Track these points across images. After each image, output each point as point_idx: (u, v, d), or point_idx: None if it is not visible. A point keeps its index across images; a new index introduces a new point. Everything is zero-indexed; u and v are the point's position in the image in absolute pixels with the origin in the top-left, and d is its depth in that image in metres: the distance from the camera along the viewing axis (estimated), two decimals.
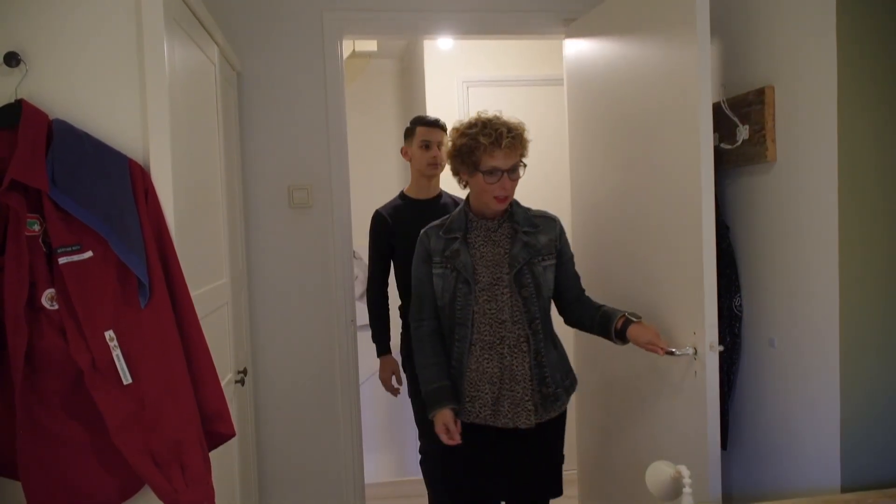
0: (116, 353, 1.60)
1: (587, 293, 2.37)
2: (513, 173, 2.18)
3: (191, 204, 1.93)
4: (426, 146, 2.95)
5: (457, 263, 2.21)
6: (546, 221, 2.28)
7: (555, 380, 2.22)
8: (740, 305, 2.44)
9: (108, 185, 1.61)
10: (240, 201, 2.82)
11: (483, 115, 2.22)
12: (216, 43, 2.36)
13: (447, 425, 2.18)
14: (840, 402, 2.02)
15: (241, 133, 2.89)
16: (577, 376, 2.38)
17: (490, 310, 2.19)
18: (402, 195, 3.04)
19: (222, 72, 2.46)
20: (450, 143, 2.25)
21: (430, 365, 2.26)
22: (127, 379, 1.60)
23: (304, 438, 3.01)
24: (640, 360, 2.45)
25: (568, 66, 3.13)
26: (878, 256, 2.01)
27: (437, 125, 2.97)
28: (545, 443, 2.27)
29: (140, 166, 1.65)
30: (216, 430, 1.70)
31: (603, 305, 2.29)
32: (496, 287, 2.19)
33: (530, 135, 2.23)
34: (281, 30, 2.94)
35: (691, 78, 2.14)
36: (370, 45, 4.27)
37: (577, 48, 3.01)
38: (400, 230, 2.91)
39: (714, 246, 2.12)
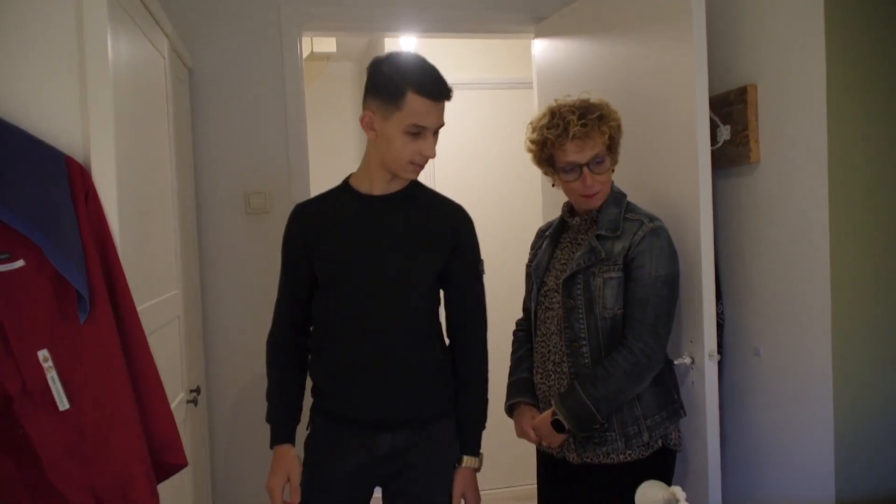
0: (51, 375, 1.42)
1: (632, 340, 1.83)
2: (596, 166, 1.85)
3: (137, 208, 1.75)
4: (416, 133, 1.68)
5: (535, 262, 2.03)
6: (632, 225, 1.86)
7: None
8: (722, 313, 2.35)
9: (42, 186, 1.42)
10: (193, 206, 2.63)
11: (557, 102, 1.91)
12: (166, 35, 2.18)
13: (521, 423, 1.97)
14: (833, 413, 1.93)
15: (193, 133, 2.71)
16: None
17: (546, 318, 1.96)
18: (345, 185, 1.86)
19: (173, 67, 2.28)
20: (526, 141, 1.98)
21: (514, 360, 2.10)
22: (64, 404, 1.41)
23: (263, 463, 2.80)
24: None
25: (538, 67, 3.02)
26: (870, 260, 1.93)
27: (445, 95, 1.71)
28: (592, 490, 1.89)
29: (80, 165, 1.47)
30: (166, 461, 1.52)
31: (586, 375, 1.84)
32: (554, 294, 1.94)
33: (618, 114, 1.89)
34: (236, 24, 2.76)
35: (684, 76, 2.05)
36: (329, 46, 4.10)
37: (548, 48, 2.91)
38: (331, 237, 1.80)
39: (712, 250, 2.02)
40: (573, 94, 1.93)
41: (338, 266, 1.78)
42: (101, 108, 1.49)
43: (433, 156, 1.72)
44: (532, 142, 1.94)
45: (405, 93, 1.66)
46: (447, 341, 1.88)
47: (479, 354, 1.85)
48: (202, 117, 2.73)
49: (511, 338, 2.15)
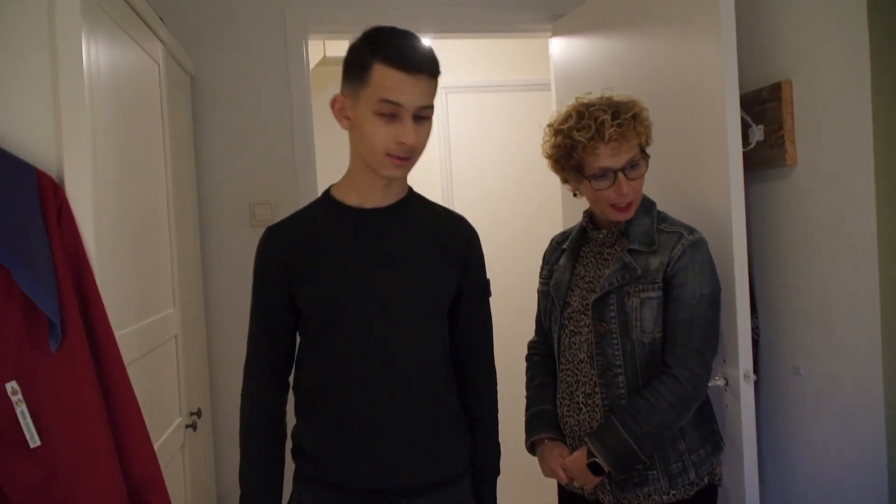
0: (21, 409, 1.30)
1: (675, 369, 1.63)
2: (631, 171, 1.65)
3: (123, 223, 1.63)
4: (389, 114, 1.36)
5: (554, 279, 1.82)
6: (669, 238, 1.66)
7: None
8: (757, 328, 2.18)
9: (11, 203, 1.31)
10: (194, 218, 2.52)
11: (581, 100, 1.70)
12: (161, 40, 2.07)
13: (549, 462, 1.75)
14: (886, 435, 1.76)
15: (195, 143, 2.59)
16: None
17: (572, 343, 1.75)
18: (328, 198, 1.53)
19: (169, 73, 2.17)
20: (545, 145, 1.76)
21: (533, 388, 1.87)
22: (35, 441, 1.30)
23: None
24: None
25: (556, 67, 2.87)
26: None
27: (421, 66, 1.37)
28: None
29: (52, 180, 1.36)
30: (146, 501, 1.39)
31: (625, 409, 1.64)
32: (582, 316, 1.73)
33: (649, 113, 1.69)
34: (239, 28, 2.65)
35: (711, 72, 1.89)
36: (342, 50, 3.97)
37: (566, 47, 2.76)
38: (321, 265, 1.47)
39: (746, 261, 1.85)
40: (594, 92, 1.75)
41: (334, 300, 1.44)
42: (75, 119, 1.37)
43: (411, 142, 1.36)
44: (555, 146, 1.71)
45: (372, 64, 1.35)
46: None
47: (492, 390, 1.61)
48: (204, 125, 2.62)
49: (523, 362, 1.97)
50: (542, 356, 1.90)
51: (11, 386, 1.29)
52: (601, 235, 1.76)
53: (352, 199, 1.49)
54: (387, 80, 1.34)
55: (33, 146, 1.37)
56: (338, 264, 1.46)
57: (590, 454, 1.64)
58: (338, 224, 1.49)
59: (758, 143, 2.08)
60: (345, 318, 1.45)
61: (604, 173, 1.64)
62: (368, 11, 2.76)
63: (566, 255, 1.83)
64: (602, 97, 1.70)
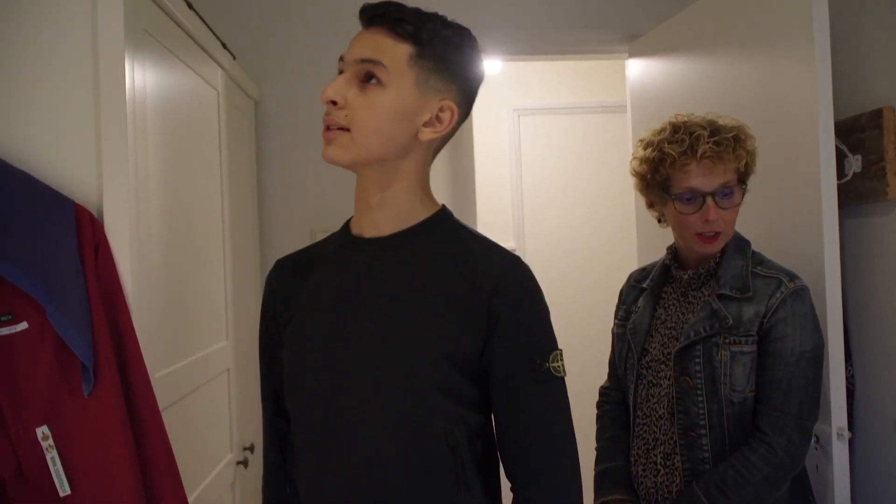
0: (52, 456, 1.24)
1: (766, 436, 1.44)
2: (723, 198, 1.48)
3: (171, 256, 1.58)
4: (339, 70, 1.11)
5: (631, 322, 1.65)
6: (767, 285, 1.47)
7: None
8: (852, 376, 1.97)
9: (48, 238, 1.26)
10: (254, 247, 2.48)
11: (679, 116, 1.55)
12: (221, 66, 2.03)
13: None
14: None
15: (257, 169, 2.56)
16: None
17: (651, 396, 1.57)
18: (344, 224, 1.23)
19: (230, 99, 2.13)
20: (633, 161, 1.59)
21: (604, 440, 1.69)
22: (65, 489, 1.24)
23: None
24: None
25: (632, 88, 2.72)
26: None
27: (372, 18, 1.09)
28: None
29: (90, 215, 1.31)
30: None
31: (710, 477, 1.45)
32: (663, 367, 1.55)
33: (754, 141, 1.52)
34: (304, 53, 2.61)
35: (803, 97, 1.73)
36: None
37: (644, 68, 2.61)
38: (300, 310, 1.18)
39: (840, 306, 1.66)
40: (696, 113, 1.57)
41: (296, 359, 1.13)
42: (116, 151, 1.32)
43: (329, 98, 1.06)
44: (644, 160, 1.54)
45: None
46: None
47: None
48: (267, 151, 2.59)
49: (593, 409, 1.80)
50: (614, 405, 1.73)
51: (42, 431, 1.24)
52: (686, 276, 1.58)
53: (355, 226, 1.16)
54: (352, 40, 1.10)
55: (73, 179, 1.32)
56: (316, 309, 1.13)
57: None
58: (335, 258, 1.17)
59: (855, 174, 1.89)
60: (303, 384, 1.12)
61: (692, 195, 1.48)
62: None
63: (646, 295, 1.65)
64: (704, 117, 1.54)
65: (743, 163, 1.48)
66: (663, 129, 1.53)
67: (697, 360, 1.48)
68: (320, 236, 2.79)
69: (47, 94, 1.32)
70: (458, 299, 1.07)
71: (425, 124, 1.09)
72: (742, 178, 1.52)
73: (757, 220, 1.89)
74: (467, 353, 1.06)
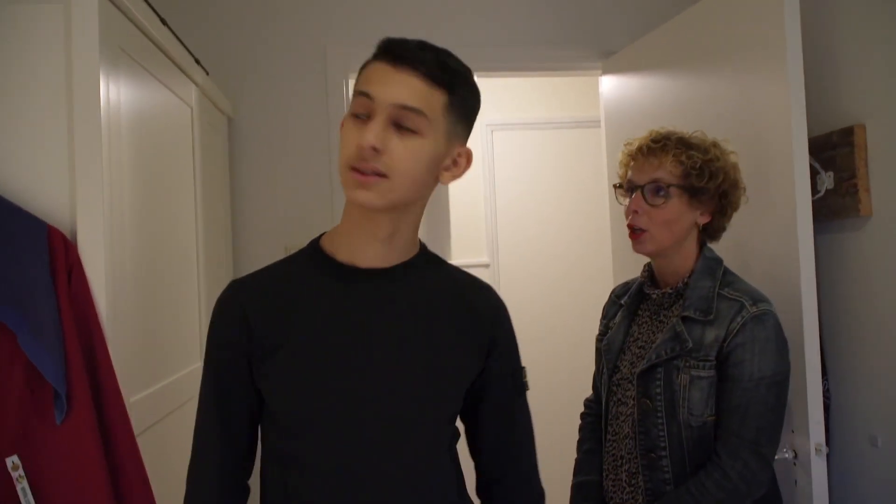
0: (22, 486, 1.21)
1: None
2: (652, 195, 1.48)
3: (145, 277, 1.55)
4: (361, 116, 1.03)
5: (607, 339, 1.65)
6: (730, 308, 1.44)
7: None
8: (828, 391, 1.99)
9: (19, 261, 1.23)
10: (228, 263, 2.44)
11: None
12: (194, 82, 2.01)
13: None
14: None
15: (231, 185, 2.53)
16: None
17: (620, 414, 1.56)
18: (313, 248, 1.17)
19: (203, 116, 2.10)
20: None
21: (581, 452, 1.70)
22: None
23: None
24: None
25: (606, 104, 2.74)
26: None
27: (411, 61, 1.03)
28: None
29: (63, 236, 1.27)
30: None
31: (679, 495, 1.45)
32: (629, 385, 1.54)
33: (726, 156, 1.52)
34: (279, 69, 2.58)
35: (777, 114, 1.74)
36: None
37: (618, 85, 2.63)
38: (296, 340, 1.09)
39: (817, 321, 1.68)
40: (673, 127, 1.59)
41: (311, 390, 1.08)
42: (90, 173, 1.30)
43: (370, 144, 0.99)
44: (620, 166, 1.61)
45: (366, 65, 1.07)
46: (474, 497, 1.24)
47: None
48: (241, 167, 2.55)
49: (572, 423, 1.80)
50: (595, 417, 1.72)
51: (12, 461, 1.20)
52: (655, 295, 1.57)
53: (343, 253, 1.11)
54: (371, 73, 1.04)
55: (46, 199, 1.29)
56: (318, 340, 1.08)
57: None
58: (322, 285, 1.11)
59: (827, 191, 1.92)
60: (324, 418, 1.08)
61: (629, 187, 1.54)
62: None
63: (622, 311, 1.65)
64: (673, 130, 1.55)
65: (682, 167, 1.47)
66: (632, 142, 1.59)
67: (658, 383, 1.47)
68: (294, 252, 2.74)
69: (20, 113, 1.30)
70: (464, 330, 1.14)
71: (445, 168, 1.11)
72: (690, 188, 1.48)
73: (731, 234, 1.91)
74: (471, 380, 1.16)
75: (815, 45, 1.98)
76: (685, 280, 1.51)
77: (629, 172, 1.55)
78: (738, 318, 1.43)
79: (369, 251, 1.10)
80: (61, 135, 1.30)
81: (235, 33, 2.56)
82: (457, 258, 4.33)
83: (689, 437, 1.45)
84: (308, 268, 1.14)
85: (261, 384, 1.09)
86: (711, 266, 1.52)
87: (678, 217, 1.49)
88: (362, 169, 1.01)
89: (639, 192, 1.49)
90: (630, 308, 1.64)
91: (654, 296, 1.57)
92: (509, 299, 1.33)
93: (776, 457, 1.65)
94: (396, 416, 1.08)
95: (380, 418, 1.07)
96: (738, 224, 1.87)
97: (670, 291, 1.53)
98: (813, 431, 1.68)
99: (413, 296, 1.13)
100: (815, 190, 1.91)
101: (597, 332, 1.76)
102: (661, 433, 1.47)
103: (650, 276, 1.62)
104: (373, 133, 1.00)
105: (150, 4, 1.59)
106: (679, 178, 1.48)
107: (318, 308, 1.10)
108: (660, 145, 1.49)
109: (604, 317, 1.74)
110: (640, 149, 1.52)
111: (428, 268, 1.17)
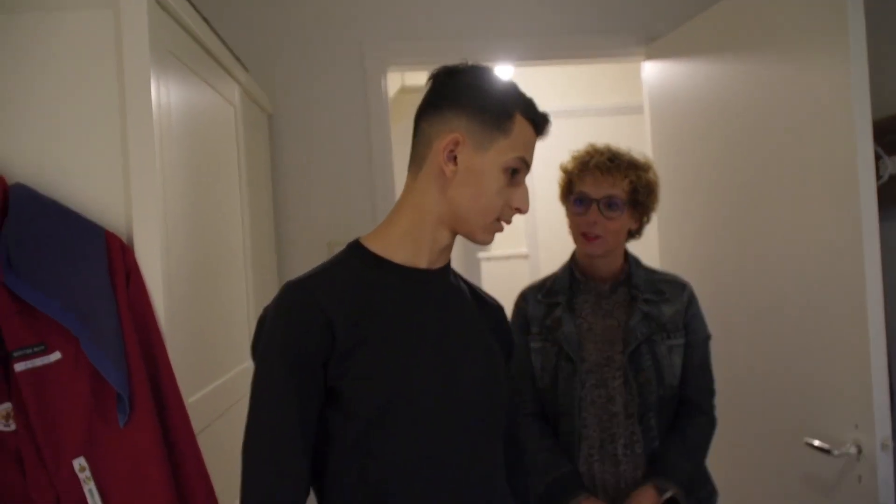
0: (89, 488, 1.21)
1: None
2: (608, 209, 1.70)
3: (197, 279, 1.55)
4: (515, 173, 1.18)
5: (558, 335, 1.74)
6: (673, 288, 1.77)
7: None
8: (893, 386, 1.92)
9: (79, 267, 1.23)
10: (272, 261, 2.45)
11: (592, 144, 1.81)
12: (237, 81, 2.00)
13: None
14: None
15: (273, 182, 2.53)
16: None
17: (599, 398, 1.71)
18: (362, 251, 1.20)
19: (246, 114, 2.10)
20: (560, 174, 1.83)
21: (545, 450, 1.73)
22: None
23: None
24: (782, 460, 1.94)
25: (650, 91, 2.69)
26: None
27: (547, 130, 1.25)
28: None
29: (120, 241, 1.28)
30: None
31: (677, 447, 1.71)
32: (606, 369, 1.71)
33: (656, 180, 1.77)
34: (317, 65, 2.57)
35: (837, 98, 1.69)
36: (420, 79, 3.90)
37: (661, 71, 2.58)
38: (381, 337, 1.13)
39: (882, 314, 1.63)
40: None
41: (398, 379, 1.11)
42: (145, 177, 1.29)
43: (527, 209, 1.19)
44: (561, 169, 1.82)
45: (513, 114, 1.15)
46: None
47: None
48: (282, 163, 2.55)
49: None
50: (533, 416, 1.79)
51: (80, 463, 1.21)
52: (601, 286, 1.78)
53: (400, 256, 1.18)
54: (525, 135, 1.18)
55: (102, 205, 1.30)
56: (399, 334, 1.14)
57: (661, 492, 1.65)
58: (390, 284, 1.16)
59: (891, 177, 1.85)
60: (416, 405, 1.12)
61: (581, 198, 1.73)
62: (449, 43, 2.65)
63: (562, 308, 1.78)
64: (609, 146, 1.77)
65: (633, 187, 1.70)
66: (575, 157, 1.80)
67: (647, 357, 1.71)
68: (337, 249, 2.76)
69: (74, 119, 1.30)
70: (500, 327, 1.34)
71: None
72: (633, 203, 1.72)
73: (790, 222, 1.86)
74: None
75: (873, 24, 1.91)
76: (627, 272, 1.78)
77: (580, 185, 1.73)
78: (685, 295, 1.76)
79: (430, 255, 1.20)
80: (115, 139, 1.31)
81: (271, 29, 2.55)
82: (495, 249, 4.28)
83: (670, 398, 1.73)
84: (368, 269, 1.18)
85: (337, 383, 1.10)
86: (636, 260, 1.82)
87: (625, 226, 1.74)
88: (508, 221, 1.21)
89: (595, 205, 1.71)
90: (569, 303, 1.78)
91: (601, 288, 1.78)
92: None
93: (837, 452, 1.71)
94: (480, 401, 1.19)
95: (466, 403, 1.17)
96: (801, 211, 1.82)
97: (615, 281, 1.77)
98: (878, 426, 1.63)
99: (461, 293, 1.27)
100: (878, 175, 1.85)
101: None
102: (654, 397, 1.70)
103: (583, 272, 1.80)
104: (528, 203, 1.19)
105: (193, 5, 1.58)
106: (628, 194, 1.71)
107: (393, 306, 1.15)
108: (615, 164, 1.71)
109: (529, 320, 1.80)
110: (596, 165, 1.71)
111: (452, 271, 1.29)
